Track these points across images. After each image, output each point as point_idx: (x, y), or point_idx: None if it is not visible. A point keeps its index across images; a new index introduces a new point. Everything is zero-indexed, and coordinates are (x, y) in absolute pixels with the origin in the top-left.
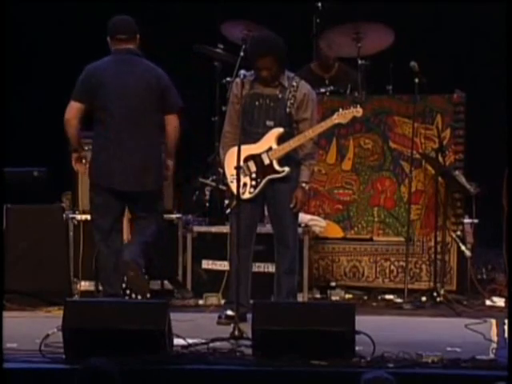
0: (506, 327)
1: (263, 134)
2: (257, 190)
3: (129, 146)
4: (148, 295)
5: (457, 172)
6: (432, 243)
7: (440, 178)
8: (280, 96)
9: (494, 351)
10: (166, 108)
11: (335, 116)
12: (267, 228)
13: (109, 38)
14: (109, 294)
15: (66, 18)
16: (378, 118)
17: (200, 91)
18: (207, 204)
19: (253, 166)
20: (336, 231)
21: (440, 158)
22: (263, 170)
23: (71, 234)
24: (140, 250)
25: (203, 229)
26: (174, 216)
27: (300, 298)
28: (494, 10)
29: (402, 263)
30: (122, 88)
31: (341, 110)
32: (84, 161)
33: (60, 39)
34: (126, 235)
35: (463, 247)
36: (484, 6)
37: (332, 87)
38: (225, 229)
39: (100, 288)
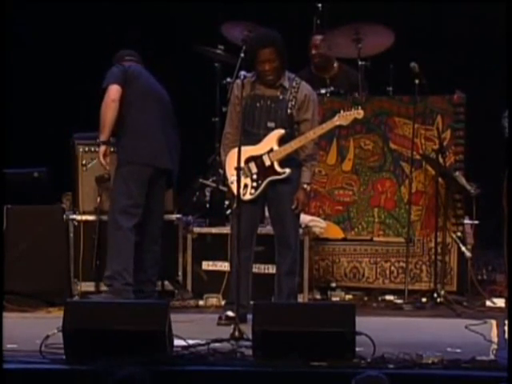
0: (506, 328)
1: (264, 136)
2: (258, 192)
3: (167, 131)
4: None
5: (457, 173)
6: (432, 244)
7: (440, 179)
8: (281, 97)
9: (494, 352)
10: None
11: (336, 118)
12: (267, 229)
13: (116, 63)
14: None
15: (67, 18)
16: (379, 118)
17: (200, 92)
18: (207, 205)
19: (254, 168)
20: (336, 232)
21: (440, 159)
22: (264, 171)
23: (71, 234)
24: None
25: (203, 230)
26: (174, 217)
27: (300, 298)
28: (493, 10)
29: (402, 264)
30: (155, 86)
31: (342, 111)
32: (108, 159)
33: (60, 39)
34: None
35: (463, 248)
36: (484, 6)
37: (332, 88)
38: (225, 230)
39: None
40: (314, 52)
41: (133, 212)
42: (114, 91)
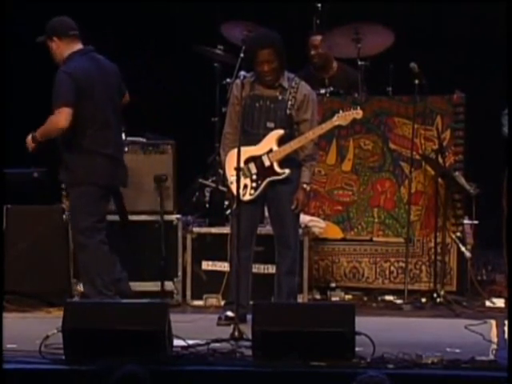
0: (505, 328)
1: (263, 136)
2: (257, 192)
3: (120, 143)
4: None
5: (457, 173)
6: (432, 244)
7: (440, 179)
8: (280, 97)
9: (493, 352)
10: (123, 91)
11: (335, 118)
12: (267, 229)
13: (58, 37)
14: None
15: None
16: (378, 119)
17: (200, 92)
18: (207, 205)
19: (253, 168)
20: (336, 232)
21: (440, 159)
22: (264, 171)
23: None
24: None
25: (203, 230)
26: (173, 217)
27: (300, 298)
28: (493, 10)
29: (401, 264)
30: (108, 86)
31: (341, 111)
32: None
33: None
34: None
35: (463, 248)
36: (484, 6)
37: (332, 88)
38: (225, 230)
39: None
40: (313, 52)
41: (99, 226)
42: (65, 117)
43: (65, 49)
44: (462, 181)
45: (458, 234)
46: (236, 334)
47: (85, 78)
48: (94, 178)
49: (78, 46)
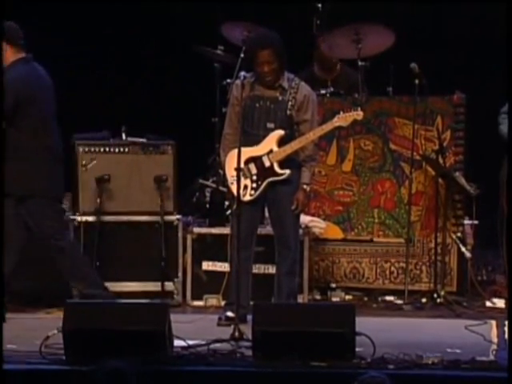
0: (506, 328)
1: (264, 137)
2: (257, 193)
3: (61, 147)
4: None
5: (457, 173)
6: (432, 244)
7: (440, 180)
8: (280, 98)
9: (494, 352)
10: None
11: (336, 119)
12: (267, 229)
13: (8, 43)
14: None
15: (67, 18)
16: (379, 119)
17: (200, 92)
18: (207, 205)
19: (253, 169)
20: (336, 232)
21: (440, 160)
22: (264, 172)
23: (71, 235)
24: None
25: (203, 230)
26: (174, 217)
27: (300, 299)
28: (493, 10)
29: (402, 264)
30: (48, 92)
31: (342, 112)
32: None
33: (60, 40)
34: None
35: (463, 248)
36: (484, 6)
37: (333, 89)
38: (225, 230)
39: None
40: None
41: (64, 227)
42: None
43: (11, 56)
44: (463, 181)
45: (459, 234)
46: (236, 334)
47: (25, 86)
48: (37, 192)
49: (22, 55)
